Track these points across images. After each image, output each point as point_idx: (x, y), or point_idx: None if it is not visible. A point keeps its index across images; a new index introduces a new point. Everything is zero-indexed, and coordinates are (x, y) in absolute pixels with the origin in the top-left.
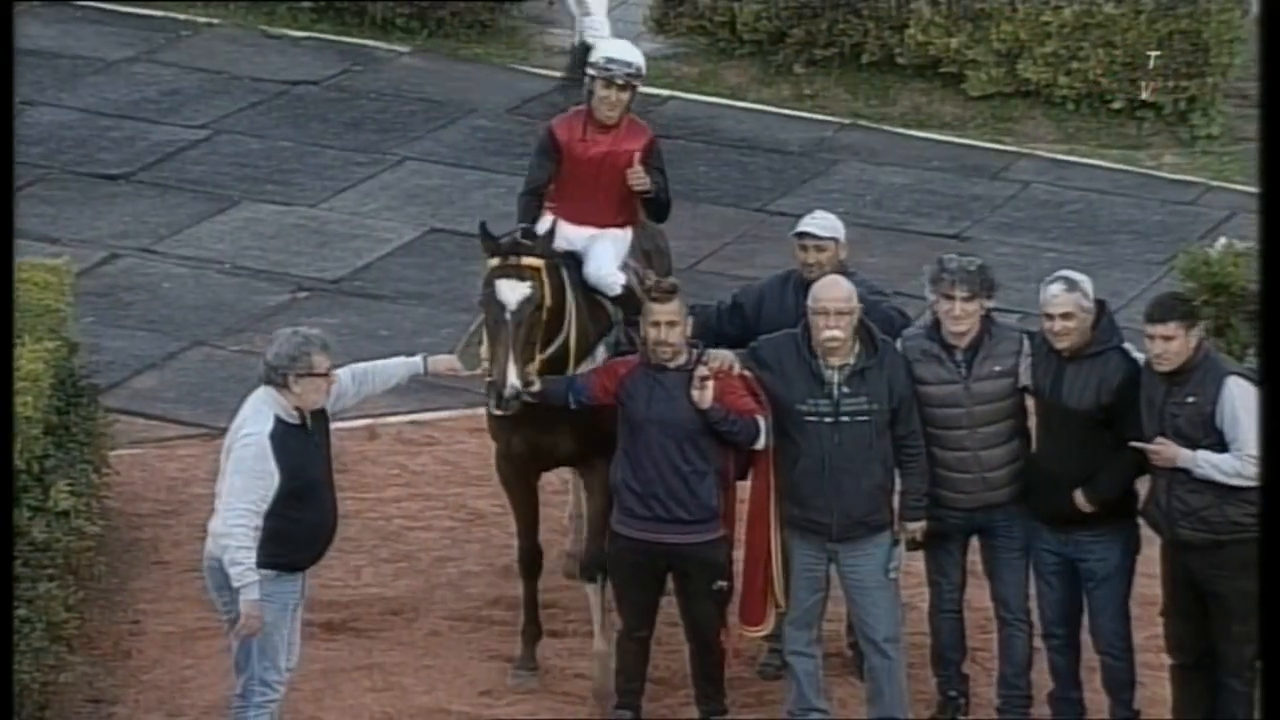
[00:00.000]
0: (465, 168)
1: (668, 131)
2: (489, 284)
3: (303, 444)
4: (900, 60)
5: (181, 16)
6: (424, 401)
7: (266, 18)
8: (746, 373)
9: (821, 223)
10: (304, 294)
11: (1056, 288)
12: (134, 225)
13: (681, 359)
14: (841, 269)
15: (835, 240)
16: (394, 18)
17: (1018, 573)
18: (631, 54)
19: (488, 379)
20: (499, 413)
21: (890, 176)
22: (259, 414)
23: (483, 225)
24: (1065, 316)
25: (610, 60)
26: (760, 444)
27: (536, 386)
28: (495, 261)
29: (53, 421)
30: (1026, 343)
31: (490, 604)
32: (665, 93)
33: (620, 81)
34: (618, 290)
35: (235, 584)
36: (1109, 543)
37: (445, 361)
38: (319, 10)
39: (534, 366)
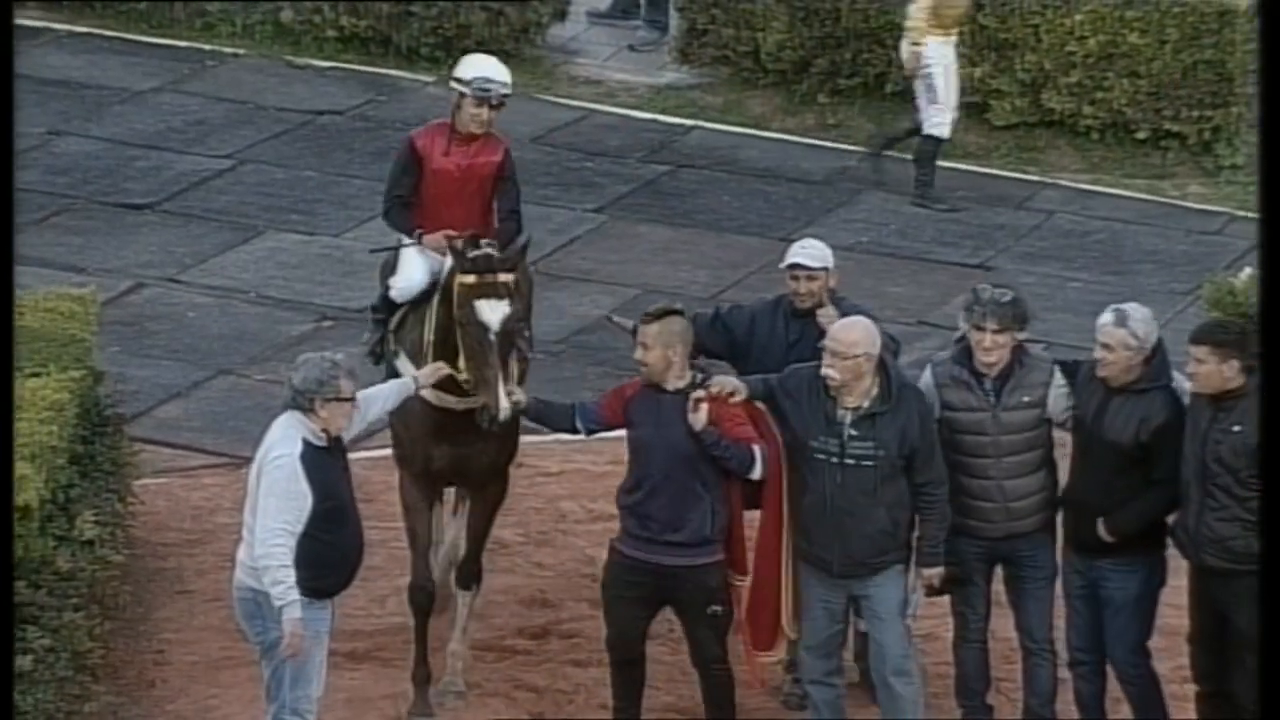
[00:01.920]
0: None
1: (691, 161)
2: (466, 305)
3: (331, 466)
4: None
5: (207, 47)
6: None
7: (292, 48)
8: (754, 402)
9: (812, 253)
10: (328, 323)
11: (1104, 318)
12: (159, 255)
13: (681, 382)
14: (831, 297)
15: (826, 270)
16: (419, 48)
17: (1042, 603)
18: (504, 74)
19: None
20: (489, 429)
21: (914, 206)
22: (287, 437)
23: (451, 243)
24: (1105, 348)
25: (487, 81)
26: (755, 473)
27: (523, 403)
28: (471, 279)
29: (78, 451)
30: (1057, 373)
31: (515, 633)
32: (689, 122)
33: (494, 102)
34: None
35: (277, 603)
36: (1129, 572)
37: (427, 372)
38: (344, 40)
39: (515, 382)
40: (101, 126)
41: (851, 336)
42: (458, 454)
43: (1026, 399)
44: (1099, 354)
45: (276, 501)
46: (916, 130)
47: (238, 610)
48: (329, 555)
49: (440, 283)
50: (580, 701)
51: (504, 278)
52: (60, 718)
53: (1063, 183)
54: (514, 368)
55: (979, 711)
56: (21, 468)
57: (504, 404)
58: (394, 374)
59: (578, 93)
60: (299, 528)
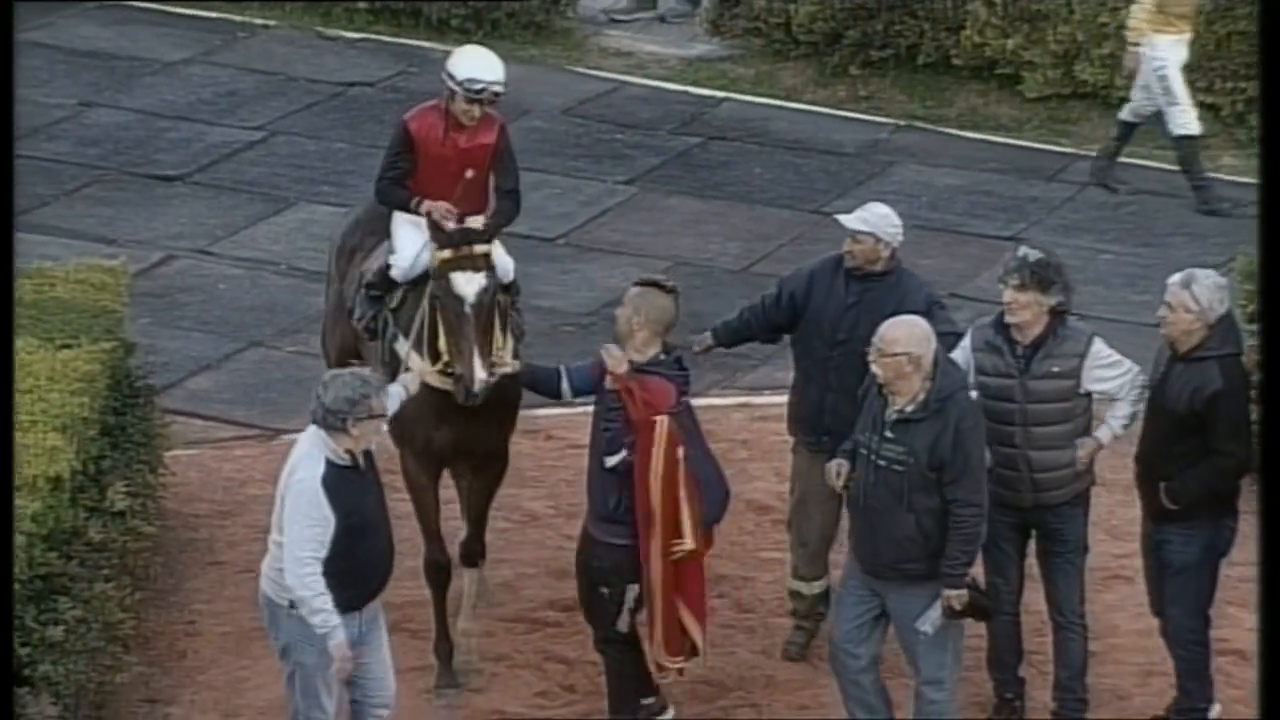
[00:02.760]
0: (520, 169)
1: (723, 133)
2: (442, 277)
3: (355, 484)
4: (956, 62)
5: (238, 18)
6: None
7: (322, 19)
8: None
9: (862, 215)
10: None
11: (1174, 278)
12: (190, 226)
13: (641, 357)
14: (889, 265)
15: (873, 236)
16: (449, 19)
17: (1071, 577)
18: (494, 70)
19: (452, 373)
20: (467, 403)
21: (946, 178)
22: (310, 457)
23: (429, 216)
24: (1167, 306)
25: (474, 80)
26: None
27: (513, 369)
28: (446, 254)
29: (109, 422)
30: (1097, 345)
31: (545, 605)
32: (720, 94)
33: (486, 99)
34: (511, 276)
35: (319, 631)
36: (1188, 537)
37: (409, 379)
38: (375, 12)
39: (507, 351)
40: (132, 98)
41: (893, 334)
42: (458, 434)
43: (1056, 369)
44: (1161, 313)
45: (299, 529)
46: (1130, 130)
47: (263, 615)
48: (353, 571)
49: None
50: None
51: (480, 249)
52: (91, 688)
53: (1095, 154)
54: (506, 340)
55: (1010, 684)
56: (53, 439)
57: (480, 375)
58: (393, 355)
59: (608, 64)
60: (324, 551)
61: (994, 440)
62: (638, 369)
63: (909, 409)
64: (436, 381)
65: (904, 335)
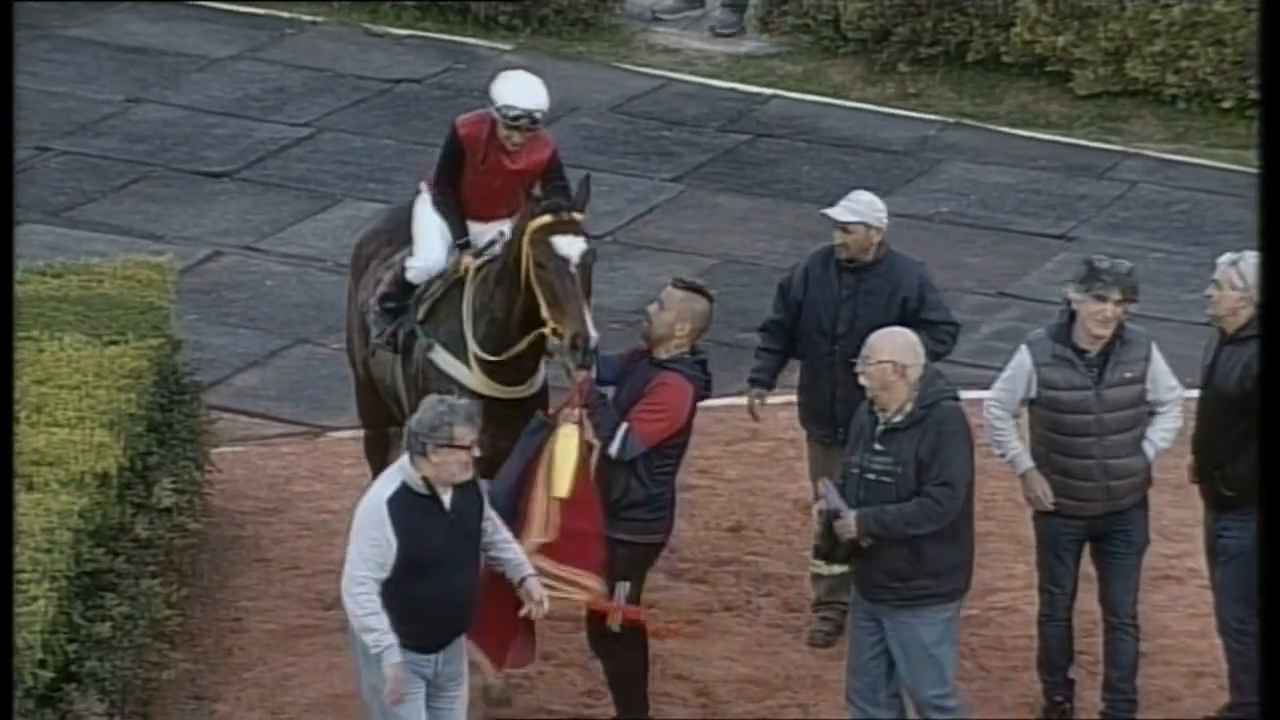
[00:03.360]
0: (567, 166)
1: (770, 130)
2: (541, 243)
3: (428, 516)
4: (1006, 59)
5: (286, 14)
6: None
7: (370, 16)
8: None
9: (848, 205)
10: None
11: (1223, 257)
12: (237, 223)
13: (666, 356)
14: (879, 253)
15: (864, 225)
16: (497, 15)
17: (1128, 578)
18: (533, 96)
19: (555, 341)
20: (584, 365)
21: (995, 176)
22: (389, 477)
23: (526, 190)
24: (1215, 284)
25: (511, 108)
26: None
27: (594, 340)
28: (546, 219)
29: (156, 419)
30: (1154, 349)
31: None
32: (768, 91)
33: (524, 126)
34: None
35: (373, 651)
36: (1244, 523)
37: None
38: (422, 8)
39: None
40: (180, 94)
41: (879, 344)
42: (494, 444)
43: (1129, 375)
44: (1208, 292)
45: (359, 545)
46: None
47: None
48: (412, 606)
49: (472, 268)
50: (656, 671)
51: (577, 216)
52: (138, 685)
53: (1146, 152)
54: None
55: (1060, 688)
56: (100, 435)
57: (593, 332)
58: (431, 367)
59: (656, 61)
60: (383, 574)
61: (1067, 453)
62: (658, 364)
63: (896, 419)
64: (487, 389)
65: (889, 345)
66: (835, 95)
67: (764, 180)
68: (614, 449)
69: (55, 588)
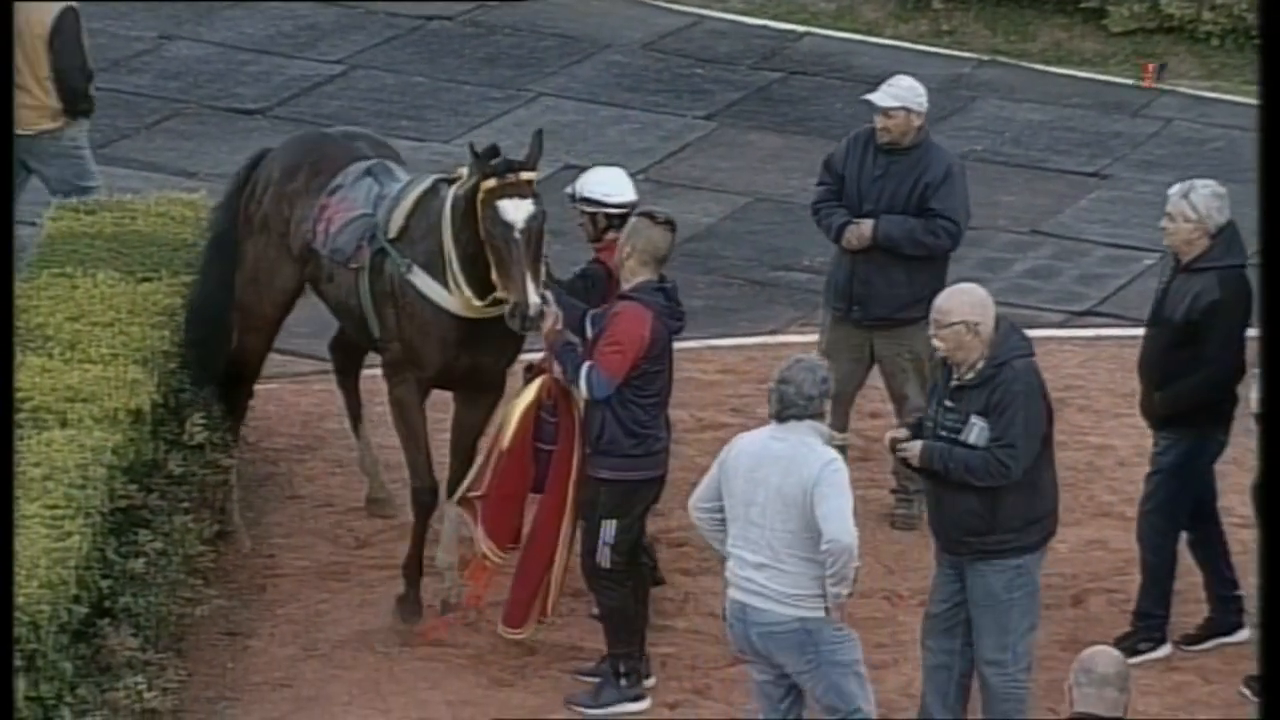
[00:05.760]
0: (599, 104)
1: (803, 68)
2: (488, 206)
3: None
4: None
5: None
6: None
7: None
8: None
9: (889, 90)
10: None
11: (1174, 188)
12: None
13: (627, 286)
14: (918, 138)
15: (905, 109)
16: None
17: None
18: (612, 187)
19: (505, 303)
20: (524, 330)
21: (1029, 114)
22: (813, 448)
23: (471, 147)
24: (1168, 216)
25: (587, 201)
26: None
27: (551, 304)
28: (492, 183)
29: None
30: None
31: None
32: (801, 29)
33: (604, 219)
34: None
35: (846, 592)
36: (1172, 443)
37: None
38: None
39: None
40: (213, 31)
41: (948, 304)
42: (474, 361)
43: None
44: (1163, 223)
45: (847, 500)
46: None
47: (771, 645)
48: None
49: (452, 199)
50: (690, 609)
51: (526, 176)
52: (171, 620)
53: (1181, 89)
54: (541, 268)
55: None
56: (134, 371)
57: (533, 299)
58: (410, 288)
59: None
60: None
61: None
62: (620, 295)
63: (968, 376)
64: (463, 308)
65: (958, 304)
66: (868, 32)
67: (796, 118)
68: (581, 388)
69: (89, 523)
